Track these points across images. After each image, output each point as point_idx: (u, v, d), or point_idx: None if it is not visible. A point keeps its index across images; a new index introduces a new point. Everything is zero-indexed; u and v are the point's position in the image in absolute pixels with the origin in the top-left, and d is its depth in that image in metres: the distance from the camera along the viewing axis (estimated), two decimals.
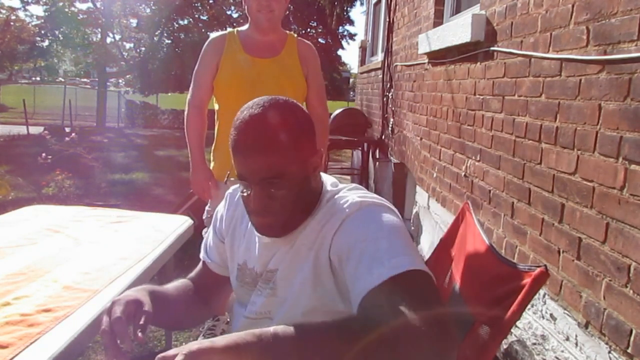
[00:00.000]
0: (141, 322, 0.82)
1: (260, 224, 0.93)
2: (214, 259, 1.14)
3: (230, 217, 1.10)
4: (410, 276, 0.77)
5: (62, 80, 30.16)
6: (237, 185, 1.10)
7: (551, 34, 1.76)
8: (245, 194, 0.91)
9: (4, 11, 16.94)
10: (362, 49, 7.42)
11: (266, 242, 0.98)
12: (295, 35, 2.22)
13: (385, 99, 4.96)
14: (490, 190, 2.24)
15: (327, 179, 1.02)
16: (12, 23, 16.93)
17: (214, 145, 2.18)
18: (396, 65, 4.60)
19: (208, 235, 1.17)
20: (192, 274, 1.17)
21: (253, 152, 0.86)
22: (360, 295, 0.77)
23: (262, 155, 0.86)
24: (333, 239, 0.88)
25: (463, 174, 2.61)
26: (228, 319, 2.37)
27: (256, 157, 0.86)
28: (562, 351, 1.58)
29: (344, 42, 21.95)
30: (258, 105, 0.90)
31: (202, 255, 1.17)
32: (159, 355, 0.65)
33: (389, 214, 0.89)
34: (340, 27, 20.13)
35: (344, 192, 0.96)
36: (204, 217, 2.23)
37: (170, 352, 0.65)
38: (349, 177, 6.54)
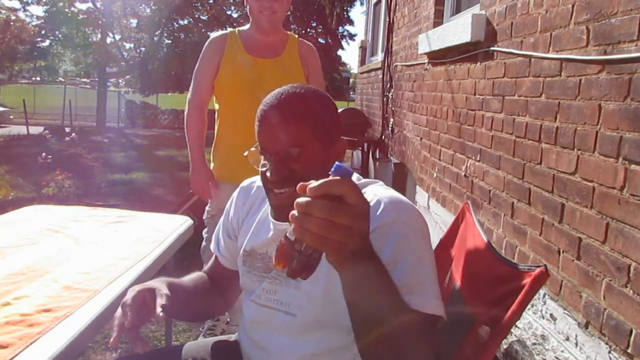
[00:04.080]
0: (163, 302, 0.87)
1: (278, 200, 0.93)
2: (224, 254, 1.16)
3: (240, 209, 1.12)
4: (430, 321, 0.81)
5: (62, 80, 30.19)
6: (251, 181, 1.14)
7: (551, 34, 1.76)
8: (264, 169, 0.92)
9: (4, 11, 16.95)
10: (362, 49, 7.43)
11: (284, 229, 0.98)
12: (296, 35, 2.22)
13: (385, 99, 4.96)
14: (490, 190, 2.24)
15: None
16: (12, 23, 16.93)
17: (214, 145, 2.18)
18: (396, 65, 4.60)
19: (218, 228, 1.19)
20: (206, 267, 1.21)
21: (278, 119, 0.89)
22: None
23: (286, 123, 0.88)
24: None
25: (463, 174, 2.61)
26: (228, 319, 2.37)
27: (280, 125, 0.89)
28: (562, 351, 1.58)
29: (344, 42, 21.98)
30: (290, 85, 0.94)
31: (212, 247, 1.19)
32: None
33: (422, 225, 0.91)
34: (340, 27, 20.15)
35: (371, 187, 0.97)
36: (204, 217, 2.23)
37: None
38: None
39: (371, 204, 0.89)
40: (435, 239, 1.04)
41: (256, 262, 1.04)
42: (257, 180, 1.13)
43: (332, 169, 0.65)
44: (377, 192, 0.94)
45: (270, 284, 1.00)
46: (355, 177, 1.01)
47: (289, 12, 2.18)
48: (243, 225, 1.10)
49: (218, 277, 1.18)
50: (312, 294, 0.94)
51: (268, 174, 0.91)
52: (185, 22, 17.19)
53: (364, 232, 0.65)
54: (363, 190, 0.94)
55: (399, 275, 0.80)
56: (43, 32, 17.49)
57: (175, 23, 17.05)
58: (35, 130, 10.92)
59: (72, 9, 15.60)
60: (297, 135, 0.89)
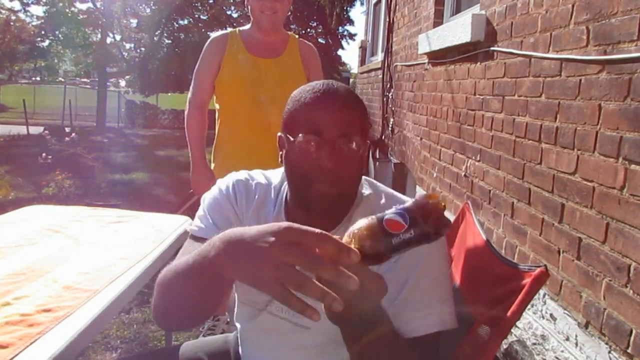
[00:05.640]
0: None
1: (322, 197, 0.85)
2: None
3: (242, 204, 0.99)
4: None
5: (62, 80, 30.20)
6: (245, 177, 1.03)
7: (551, 34, 1.76)
8: (315, 150, 0.83)
9: (4, 12, 16.96)
10: (362, 49, 7.43)
11: None
12: (296, 36, 2.22)
13: (385, 99, 4.96)
14: (490, 190, 2.24)
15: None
16: (12, 23, 16.94)
17: (214, 145, 2.18)
18: (396, 65, 4.60)
19: (210, 215, 1.00)
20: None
21: (340, 104, 0.85)
22: (413, 333, 0.83)
23: (347, 108, 0.85)
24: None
25: (463, 174, 2.60)
26: (228, 319, 2.37)
27: (341, 110, 0.85)
28: (562, 351, 1.58)
29: (344, 42, 21.93)
30: (323, 82, 0.90)
31: (210, 234, 0.97)
32: None
33: (440, 248, 0.90)
34: (340, 27, 20.10)
35: (394, 196, 0.96)
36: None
37: None
38: None
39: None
40: None
41: None
42: (254, 177, 1.03)
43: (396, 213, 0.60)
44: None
45: None
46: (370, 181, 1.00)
47: (289, 12, 2.18)
48: (251, 219, 0.98)
49: None
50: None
51: (323, 161, 0.82)
52: (185, 22, 17.17)
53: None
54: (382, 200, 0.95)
55: (418, 290, 0.84)
56: (43, 32, 17.48)
57: (175, 23, 17.03)
58: (35, 130, 10.92)
59: (72, 9, 15.60)
60: (354, 124, 0.85)
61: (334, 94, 0.86)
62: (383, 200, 0.95)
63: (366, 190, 0.96)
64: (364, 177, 0.98)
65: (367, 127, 0.91)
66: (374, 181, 1.01)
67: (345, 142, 0.83)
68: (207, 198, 1.03)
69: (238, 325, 1.08)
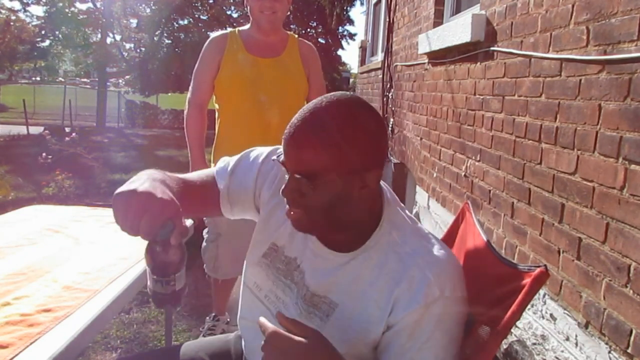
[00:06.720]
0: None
1: (288, 214, 0.89)
2: (233, 197, 1.06)
3: (271, 185, 1.04)
4: None
5: (62, 80, 30.22)
6: (276, 155, 1.04)
7: (551, 34, 1.76)
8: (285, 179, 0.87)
9: (4, 12, 16.98)
10: (362, 49, 7.43)
11: (319, 253, 0.94)
12: (296, 35, 2.23)
13: (385, 99, 4.96)
14: (490, 190, 2.24)
15: (394, 202, 0.96)
16: (12, 23, 16.96)
17: (214, 145, 2.17)
18: (396, 65, 4.60)
19: (238, 166, 1.08)
20: (191, 177, 1.09)
21: (294, 142, 0.82)
22: None
23: (300, 149, 0.82)
24: (403, 318, 0.84)
25: (463, 174, 2.60)
26: (228, 319, 2.37)
27: (295, 149, 0.82)
28: (562, 351, 1.58)
29: (344, 42, 21.95)
30: (330, 97, 0.85)
31: (221, 182, 1.06)
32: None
33: (460, 316, 0.87)
34: (340, 27, 20.11)
35: (423, 247, 0.89)
36: (204, 217, 2.23)
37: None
38: None
39: (416, 283, 0.84)
40: None
41: (278, 262, 0.99)
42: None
43: None
44: (421, 265, 0.86)
45: (283, 292, 0.97)
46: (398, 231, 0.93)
47: (289, 12, 2.19)
48: (269, 205, 1.03)
49: (203, 198, 1.07)
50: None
51: (283, 187, 0.86)
52: (185, 22, 17.18)
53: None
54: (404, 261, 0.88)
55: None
56: (43, 32, 17.50)
57: (175, 23, 17.03)
58: (35, 130, 10.94)
59: (72, 9, 15.61)
60: (311, 166, 0.81)
61: (300, 127, 0.82)
62: (402, 240, 0.90)
63: (394, 233, 0.91)
64: (404, 217, 0.94)
65: (351, 162, 0.81)
66: (403, 223, 0.94)
67: (300, 180, 0.82)
68: (253, 153, 1.09)
69: (240, 322, 1.09)
